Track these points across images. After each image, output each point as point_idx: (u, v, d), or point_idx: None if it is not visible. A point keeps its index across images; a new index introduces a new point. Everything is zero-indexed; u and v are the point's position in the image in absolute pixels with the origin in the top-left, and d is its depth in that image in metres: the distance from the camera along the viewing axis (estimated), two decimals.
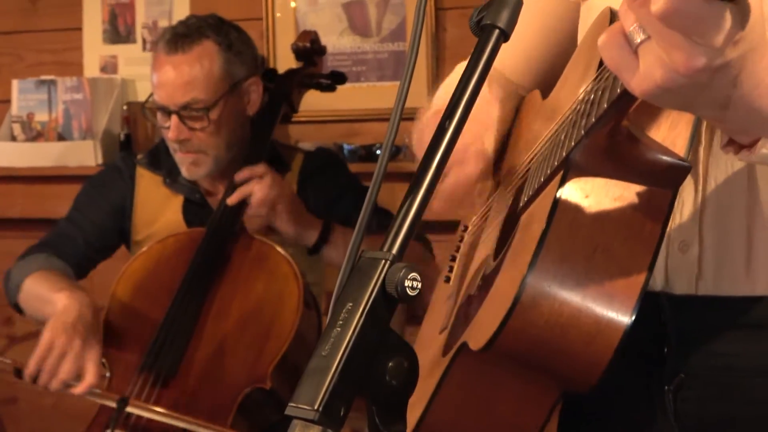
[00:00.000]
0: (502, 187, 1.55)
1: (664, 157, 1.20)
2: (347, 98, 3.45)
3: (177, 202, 2.78)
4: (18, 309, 2.67)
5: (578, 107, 1.23)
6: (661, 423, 1.39)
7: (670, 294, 1.34)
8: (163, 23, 3.61)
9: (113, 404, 2.32)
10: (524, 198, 1.36)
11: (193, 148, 2.63)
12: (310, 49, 2.91)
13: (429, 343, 1.55)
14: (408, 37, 3.43)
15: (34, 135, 3.63)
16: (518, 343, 1.23)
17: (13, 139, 3.66)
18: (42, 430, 3.83)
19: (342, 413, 0.91)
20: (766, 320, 1.30)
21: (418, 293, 0.93)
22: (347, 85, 3.38)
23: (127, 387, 2.41)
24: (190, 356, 2.43)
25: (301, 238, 2.61)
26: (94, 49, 3.75)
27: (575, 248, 1.22)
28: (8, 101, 3.69)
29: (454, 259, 1.64)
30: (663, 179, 1.21)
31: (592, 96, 1.18)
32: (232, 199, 2.57)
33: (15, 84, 3.66)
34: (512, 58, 1.63)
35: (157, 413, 2.33)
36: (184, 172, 2.68)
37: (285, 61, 3.13)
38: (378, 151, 3.35)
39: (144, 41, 3.69)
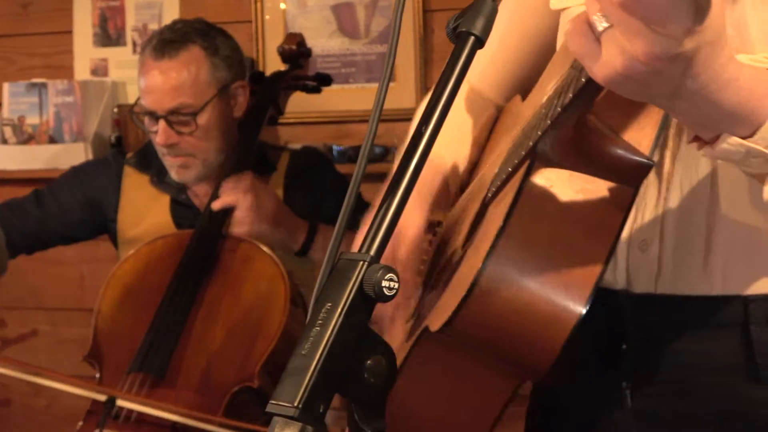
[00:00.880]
0: (476, 184, 1.57)
1: (628, 154, 1.23)
2: (336, 100, 3.47)
3: (164, 201, 2.81)
4: None
5: (546, 101, 1.26)
6: (619, 420, 1.40)
7: (630, 292, 1.36)
8: (153, 26, 3.62)
9: (103, 398, 2.34)
10: (492, 188, 1.38)
11: (181, 152, 2.65)
12: (296, 51, 2.94)
13: (396, 333, 1.57)
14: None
15: (26, 138, 3.65)
16: (475, 325, 1.25)
17: (5, 142, 3.66)
18: None
19: (321, 410, 0.94)
20: (723, 319, 1.33)
21: (395, 293, 0.96)
22: (336, 87, 3.40)
23: (116, 388, 2.43)
24: (179, 357, 2.45)
25: (287, 243, 2.63)
26: (84, 52, 3.76)
27: (536, 236, 1.24)
28: None
29: (427, 253, 1.67)
30: (626, 175, 1.24)
31: (560, 88, 1.21)
32: (215, 205, 2.59)
33: (6, 87, 3.67)
34: (492, 67, 1.66)
35: (145, 404, 2.34)
36: (174, 175, 2.70)
37: (274, 63, 3.15)
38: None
39: (134, 44, 3.70)
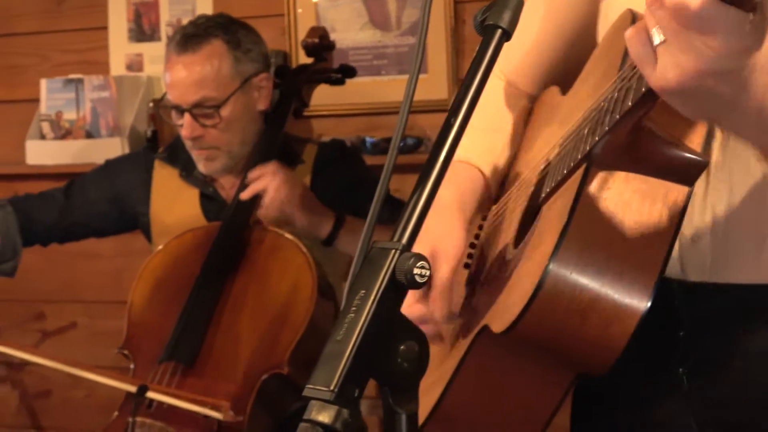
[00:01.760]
0: (521, 180, 1.60)
1: (682, 153, 1.25)
2: (368, 92, 3.50)
3: (193, 195, 2.85)
4: None
5: (602, 105, 1.27)
6: (673, 405, 1.42)
7: (684, 281, 1.38)
8: (187, 21, 3.65)
9: (133, 389, 2.37)
10: (546, 189, 1.40)
11: (206, 144, 2.69)
12: (318, 44, 2.97)
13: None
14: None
15: (63, 133, 3.68)
16: (539, 326, 1.28)
17: (43, 137, 3.70)
18: (73, 422, 3.87)
19: (357, 394, 0.96)
20: None
21: (426, 280, 0.99)
22: (368, 79, 3.43)
23: (148, 377, 2.47)
24: (208, 346, 2.48)
25: (314, 231, 2.65)
26: (119, 47, 3.80)
27: (595, 238, 1.27)
28: (37, 101, 3.73)
29: (473, 246, 1.69)
30: (680, 174, 1.26)
31: (616, 94, 1.22)
32: (244, 195, 2.62)
33: (43, 83, 3.70)
34: (527, 59, 1.67)
35: (174, 396, 2.37)
36: (201, 167, 2.74)
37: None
38: (401, 144, 3.38)
39: (168, 39, 3.74)
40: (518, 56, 1.65)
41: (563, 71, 1.62)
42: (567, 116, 1.46)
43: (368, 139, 3.45)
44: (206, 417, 2.35)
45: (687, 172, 1.26)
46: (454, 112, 1.05)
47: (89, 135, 3.65)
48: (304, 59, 3.08)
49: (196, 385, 2.44)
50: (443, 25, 3.42)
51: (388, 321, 0.98)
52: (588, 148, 1.27)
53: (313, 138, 3.25)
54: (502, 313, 1.35)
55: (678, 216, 1.26)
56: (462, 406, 1.42)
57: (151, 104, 3.65)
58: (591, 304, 1.26)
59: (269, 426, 2.42)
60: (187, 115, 2.66)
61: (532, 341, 1.31)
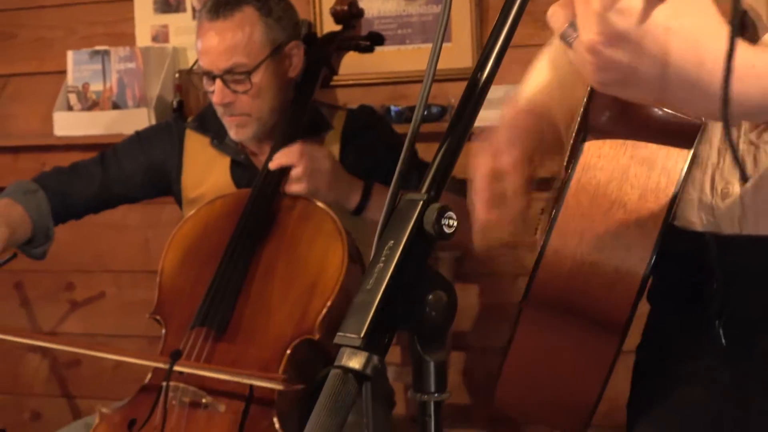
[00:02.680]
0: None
1: (674, 116, 1.26)
2: (393, 61, 3.51)
3: (224, 162, 2.87)
4: None
5: None
6: (710, 357, 1.45)
7: (717, 234, 1.40)
8: None
9: (165, 366, 2.39)
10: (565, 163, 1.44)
11: (237, 111, 2.71)
12: (347, 12, 2.98)
13: None
14: None
15: (90, 104, 3.71)
16: (548, 291, 1.32)
17: (70, 108, 3.73)
18: (103, 391, 3.91)
19: (386, 341, 0.99)
20: None
21: (453, 231, 1.01)
22: (393, 48, 3.44)
23: (180, 343, 2.49)
24: (239, 313, 2.50)
25: (342, 202, 2.67)
26: (145, 19, 3.82)
27: (593, 204, 1.29)
28: (64, 72, 3.75)
29: (542, 212, 1.72)
30: (677, 137, 1.28)
31: None
32: (272, 165, 2.64)
33: (70, 55, 3.72)
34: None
35: (202, 368, 2.39)
36: (233, 134, 2.76)
37: (331, 25, 3.18)
38: (425, 112, 3.40)
39: (194, 10, 3.75)
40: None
41: None
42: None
43: (393, 108, 3.46)
44: (237, 383, 2.37)
45: (683, 134, 1.27)
46: (480, 68, 1.07)
47: (116, 106, 3.67)
48: (328, 28, 3.09)
49: (228, 351, 2.45)
50: None
51: (416, 271, 1.00)
52: (579, 118, 1.30)
53: (336, 105, 3.26)
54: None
55: (676, 180, 1.28)
56: (522, 367, 1.45)
57: (177, 75, 3.67)
58: (592, 267, 1.29)
59: (300, 391, 2.43)
60: (218, 81, 2.68)
61: (549, 305, 1.35)
